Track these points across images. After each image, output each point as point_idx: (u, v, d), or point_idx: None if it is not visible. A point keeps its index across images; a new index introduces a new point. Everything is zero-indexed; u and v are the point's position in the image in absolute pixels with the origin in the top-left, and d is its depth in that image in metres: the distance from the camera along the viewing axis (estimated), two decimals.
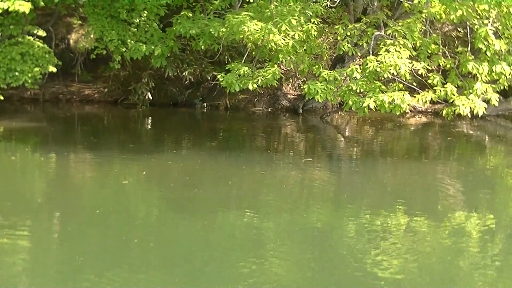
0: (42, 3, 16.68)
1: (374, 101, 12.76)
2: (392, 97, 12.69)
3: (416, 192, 11.22)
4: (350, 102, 13.03)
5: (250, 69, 13.76)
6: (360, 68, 13.40)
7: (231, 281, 7.06)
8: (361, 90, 13.30)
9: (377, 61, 13.04)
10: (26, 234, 8.41)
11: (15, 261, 7.40)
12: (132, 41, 16.83)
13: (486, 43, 13.06)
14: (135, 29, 17.15)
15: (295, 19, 13.47)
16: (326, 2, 15.12)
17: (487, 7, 12.93)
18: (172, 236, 8.43)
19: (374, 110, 13.21)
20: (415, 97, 13.71)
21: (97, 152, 13.36)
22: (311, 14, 14.11)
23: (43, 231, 8.55)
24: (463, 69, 13.48)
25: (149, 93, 19.06)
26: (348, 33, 14.45)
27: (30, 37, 17.00)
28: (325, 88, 13.18)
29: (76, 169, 12.33)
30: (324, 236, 8.64)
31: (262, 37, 13.23)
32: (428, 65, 13.67)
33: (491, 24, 13.30)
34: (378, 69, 12.93)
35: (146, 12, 16.97)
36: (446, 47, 15.72)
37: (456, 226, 9.26)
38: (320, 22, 14.94)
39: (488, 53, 13.16)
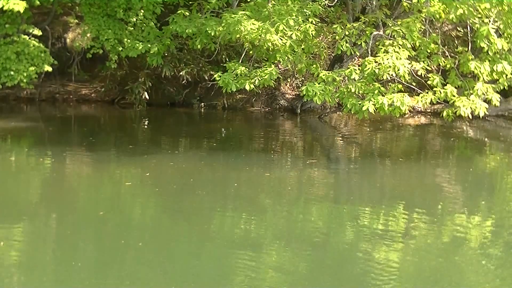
0: (37, 2, 16.61)
1: (373, 104, 12.60)
2: (391, 99, 12.54)
3: (416, 193, 11.14)
4: (349, 105, 12.87)
5: (247, 69, 13.62)
6: (358, 69, 13.25)
7: (230, 282, 7.01)
8: (360, 92, 13.15)
9: (375, 62, 12.89)
10: (23, 236, 8.30)
11: (11, 263, 7.31)
12: (129, 40, 16.72)
13: (487, 42, 12.90)
14: (132, 28, 17.04)
15: (293, 19, 13.34)
16: (324, 1, 14.98)
17: (488, 6, 12.77)
18: (176, 239, 8.31)
19: (373, 112, 13.06)
20: (415, 98, 13.56)
21: (96, 153, 13.24)
22: (309, 13, 13.97)
23: (44, 234, 8.43)
24: (465, 69, 13.32)
25: (146, 93, 18.94)
26: (347, 33, 14.32)
27: (26, 36, 16.92)
28: (323, 89, 13.03)
29: (76, 170, 12.19)
30: (328, 237, 8.58)
31: (259, 37, 13.09)
32: (427, 65, 13.53)
33: (492, 23, 13.15)
34: (377, 71, 12.79)
35: (142, 11, 16.85)
36: (446, 47, 15.58)
37: (456, 226, 9.19)
38: (318, 21, 14.81)
39: (489, 52, 13.01)
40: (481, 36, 12.80)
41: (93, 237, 8.32)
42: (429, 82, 13.46)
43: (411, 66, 13.19)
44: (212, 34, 14.28)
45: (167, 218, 9.23)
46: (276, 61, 14.17)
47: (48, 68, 17.06)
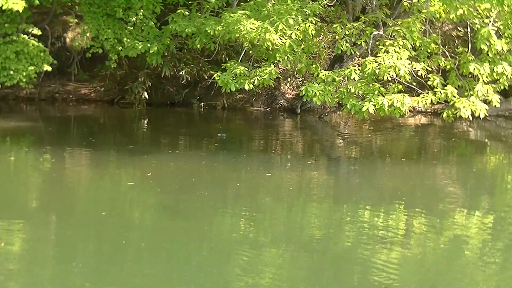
0: (37, 1, 16.57)
1: (373, 105, 12.54)
2: (391, 100, 12.49)
3: (417, 193, 11.12)
4: (349, 106, 12.82)
5: (247, 69, 13.57)
6: (358, 69, 13.20)
7: (230, 283, 7.00)
8: (360, 93, 13.11)
9: (376, 62, 12.84)
10: (24, 237, 8.27)
11: (11, 264, 7.29)
12: (128, 40, 16.68)
13: (487, 43, 12.86)
14: (132, 28, 17.01)
15: (293, 18, 13.30)
16: (324, 1, 14.95)
17: (488, 6, 12.73)
18: (177, 240, 8.27)
19: (373, 113, 13.00)
20: (415, 99, 13.51)
21: (96, 153, 13.19)
22: (309, 13, 13.93)
23: (45, 234, 8.40)
24: (464, 70, 13.28)
25: (145, 93, 18.90)
26: (347, 32, 14.27)
27: (25, 36, 16.88)
28: (323, 90, 12.98)
29: (77, 170, 12.15)
30: (329, 237, 8.56)
31: (258, 36, 13.05)
32: (427, 65, 13.48)
33: (492, 24, 13.10)
34: (377, 71, 12.74)
35: (142, 10, 16.82)
36: (446, 47, 15.54)
37: (456, 226, 9.19)
38: (318, 21, 14.76)
39: (489, 53, 12.97)
40: (481, 37, 12.75)
41: (95, 238, 8.30)
42: (429, 83, 13.42)
43: (412, 67, 13.15)
44: (212, 33, 14.25)
45: (169, 219, 9.20)
46: (275, 61, 14.13)
47: (47, 68, 17.02)
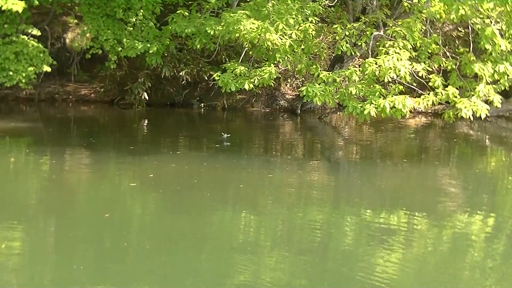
0: (36, 2, 16.54)
1: (375, 107, 12.49)
2: (393, 102, 12.44)
3: (419, 194, 11.10)
4: (350, 108, 12.78)
5: (247, 69, 13.55)
6: (359, 70, 13.15)
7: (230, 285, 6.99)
8: (361, 94, 13.07)
9: (376, 64, 12.78)
10: (25, 238, 8.24)
11: (12, 265, 7.26)
12: (128, 40, 16.66)
13: (491, 43, 12.82)
14: (131, 28, 16.99)
15: (293, 18, 13.28)
16: (324, 1, 14.93)
17: (491, 5, 12.70)
18: (179, 241, 8.25)
19: (374, 114, 12.94)
20: (416, 100, 13.48)
21: (97, 154, 13.17)
22: (309, 13, 13.91)
23: (46, 236, 8.38)
24: (468, 71, 13.23)
25: (145, 93, 18.89)
26: (347, 33, 14.24)
27: (25, 36, 16.86)
28: (323, 90, 12.95)
29: (77, 171, 12.10)
30: (330, 239, 8.55)
31: (258, 36, 13.02)
32: (428, 66, 13.45)
33: (494, 24, 13.07)
34: (377, 73, 12.69)
35: (142, 11, 16.80)
36: (447, 47, 15.51)
37: (456, 227, 9.17)
38: (318, 21, 14.73)
39: (493, 53, 12.93)
40: (486, 37, 12.71)
41: (96, 239, 8.25)
42: (430, 84, 13.38)
43: (412, 67, 13.11)
44: (212, 33, 14.22)
45: (171, 220, 9.17)
46: (275, 61, 14.10)
47: (47, 69, 17.00)
